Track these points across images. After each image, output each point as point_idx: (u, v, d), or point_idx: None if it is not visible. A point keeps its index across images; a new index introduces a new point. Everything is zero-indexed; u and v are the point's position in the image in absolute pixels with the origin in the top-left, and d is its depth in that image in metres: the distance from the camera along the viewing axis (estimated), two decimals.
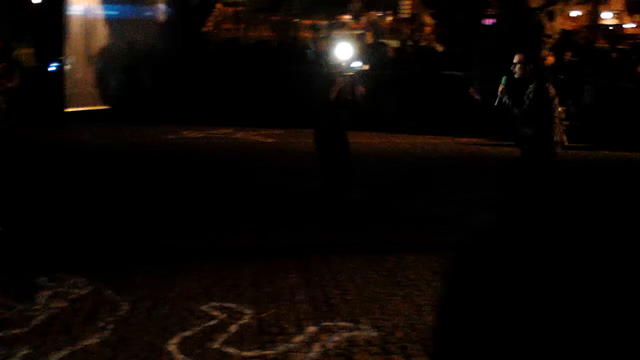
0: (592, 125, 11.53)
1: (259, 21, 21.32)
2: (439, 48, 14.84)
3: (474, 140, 12.01)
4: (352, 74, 7.11)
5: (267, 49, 14.95)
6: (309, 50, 14.36)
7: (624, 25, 32.84)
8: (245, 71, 13.87)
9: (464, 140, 12.08)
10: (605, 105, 11.90)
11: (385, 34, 20.64)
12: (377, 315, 4.36)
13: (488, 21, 15.38)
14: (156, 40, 14.77)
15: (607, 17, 30.93)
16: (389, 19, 24.75)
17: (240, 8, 20.82)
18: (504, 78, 6.08)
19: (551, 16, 12.46)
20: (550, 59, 12.44)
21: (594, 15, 27.12)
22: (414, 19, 22.71)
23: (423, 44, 16.18)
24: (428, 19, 18.90)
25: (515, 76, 6.06)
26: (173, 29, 14.91)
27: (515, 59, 6.04)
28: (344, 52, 7.18)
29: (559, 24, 12.83)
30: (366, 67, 7.73)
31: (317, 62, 12.50)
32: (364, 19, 23.91)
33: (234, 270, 5.17)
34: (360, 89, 7.17)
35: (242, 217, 6.83)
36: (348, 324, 4.21)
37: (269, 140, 12.03)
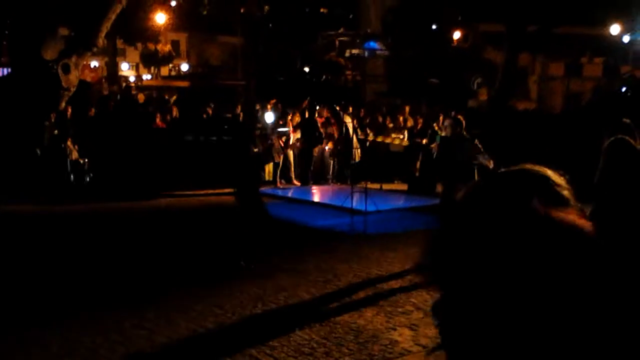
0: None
1: None
2: None
3: None
4: None
5: None
6: None
7: (144, 77, 35.00)
8: None
9: None
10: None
11: None
12: None
13: (1, 71, 14.80)
14: None
15: (125, 69, 32.48)
16: None
17: None
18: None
19: (66, 69, 12.46)
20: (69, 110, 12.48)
21: (113, 67, 28.07)
22: None
23: None
24: None
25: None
26: None
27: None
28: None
29: (75, 77, 12.87)
30: None
31: None
32: None
33: None
34: None
35: None
36: None
37: None
